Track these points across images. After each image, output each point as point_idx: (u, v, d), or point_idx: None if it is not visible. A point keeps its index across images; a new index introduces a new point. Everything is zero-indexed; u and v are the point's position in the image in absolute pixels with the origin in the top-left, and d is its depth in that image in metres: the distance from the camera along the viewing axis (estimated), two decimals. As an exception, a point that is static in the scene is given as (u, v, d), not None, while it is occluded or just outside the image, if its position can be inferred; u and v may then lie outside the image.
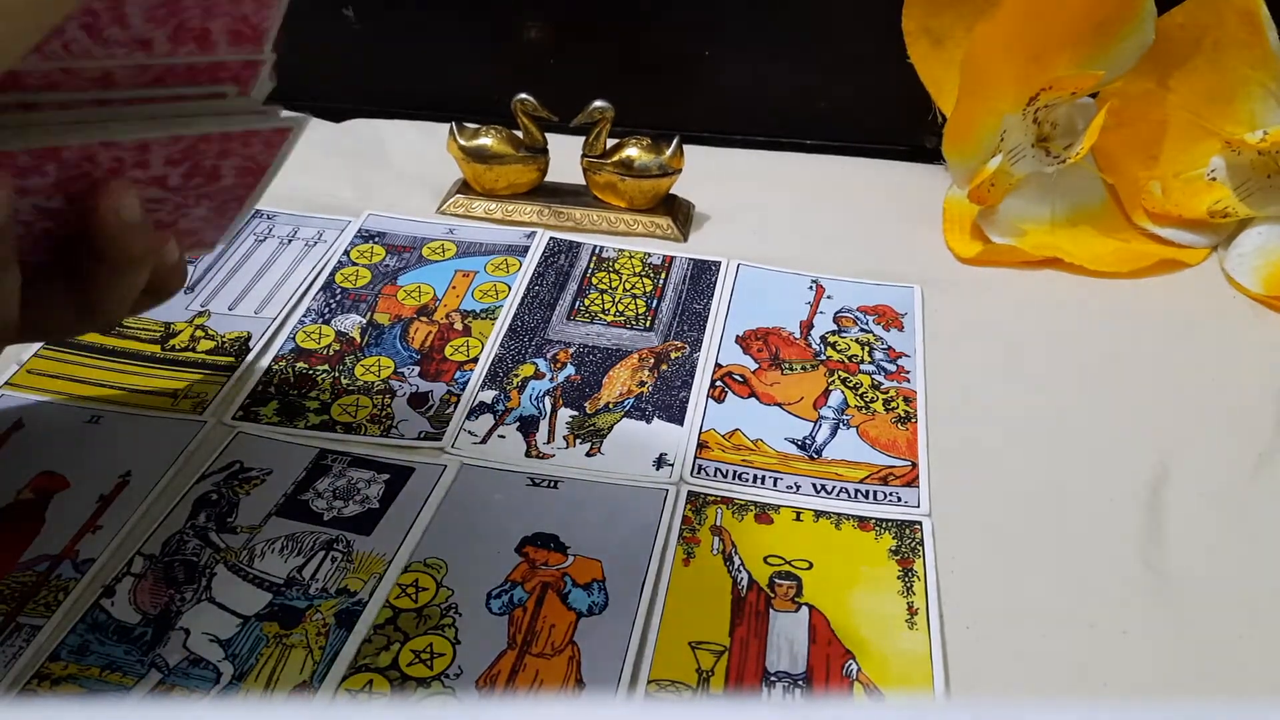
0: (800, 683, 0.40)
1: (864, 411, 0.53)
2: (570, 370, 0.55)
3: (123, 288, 0.38)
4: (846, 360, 0.56)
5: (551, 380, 0.54)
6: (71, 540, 0.44)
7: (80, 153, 0.34)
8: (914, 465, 0.50)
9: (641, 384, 0.54)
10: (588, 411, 0.52)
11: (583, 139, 0.66)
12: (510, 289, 0.61)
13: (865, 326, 0.59)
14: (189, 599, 0.42)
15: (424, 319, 0.58)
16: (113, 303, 0.38)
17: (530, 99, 0.64)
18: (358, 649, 0.40)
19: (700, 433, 0.51)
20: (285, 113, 0.38)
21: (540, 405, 0.53)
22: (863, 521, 0.47)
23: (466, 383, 0.54)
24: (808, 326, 0.59)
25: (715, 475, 0.49)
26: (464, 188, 0.68)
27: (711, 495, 0.48)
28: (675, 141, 0.65)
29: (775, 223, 0.68)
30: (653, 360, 0.56)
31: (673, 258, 0.64)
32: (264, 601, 0.42)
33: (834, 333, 0.58)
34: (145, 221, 0.36)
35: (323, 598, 0.42)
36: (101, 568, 0.43)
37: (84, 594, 0.42)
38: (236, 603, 0.42)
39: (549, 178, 0.68)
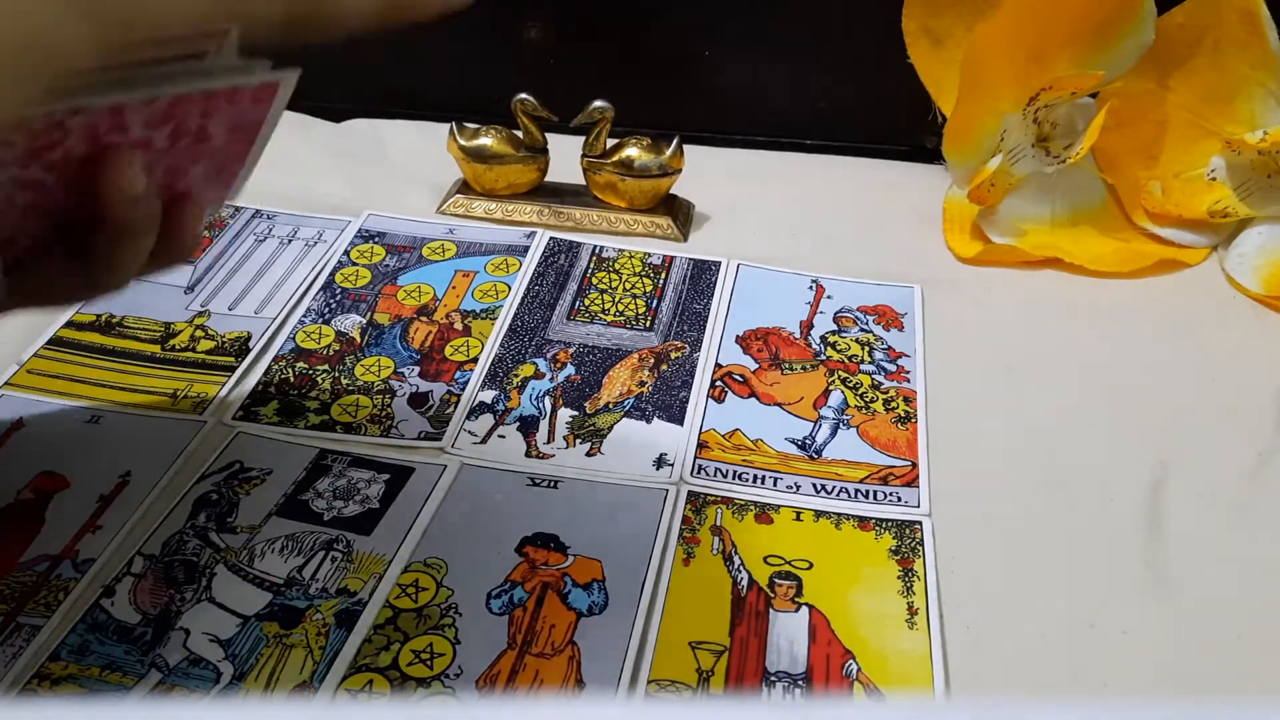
0: (800, 683, 0.40)
1: (864, 411, 0.53)
2: (570, 370, 0.55)
3: (127, 255, 0.37)
4: (846, 360, 0.56)
5: (551, 380, 0.54)
6: (71, 540, 0.44)
7: (47, 121, 0.32)
8: (914, 465, 0.50)
9: (641, 384, 0.54)
10: (588, 411, 0.52)
11: (583, 139, 0.66)
12: (510, 289, 0.61)
13: (865, 326, 0.59)
14: (189, 599, 0.42)
15: (424, 319, 0.58)
16: (117, 270, 0.37)
17: (530, 99, 0.64)
18: (358, 649, 0.40)
19: (700, 433, 0.51)
20: (270, 67, 0.36)
21: (540, 405, 0.53)
22: (863, 521, 0.47)
23: (467, 383, 0.54)
24: (808, 326, 0.59)
25: (715, 475, 0.49)
26: (464, 188, 0.68)
27: (711, 495, 0.48)
28: (675, 141, 0.65)
29: (775, 223, 0.68)
30: (653, 360, 0.56)
31: (673, 258, 0.64)
32: (264, 601, 0.42)
33: (834, 333, 0.58)
34: (149, 194, 0.36)
35: (323, 598, 0.42)
36: (102, 568, 0.43)
37: (84, 594, 0.42)
38: (236, 603, 0.42)
39: (549, 178, 0.68)
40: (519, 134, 0.66)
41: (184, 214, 0.38)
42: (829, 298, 0.61)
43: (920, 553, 0.45)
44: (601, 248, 0.65)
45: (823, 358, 0.57)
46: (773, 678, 0.40)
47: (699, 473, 0.49)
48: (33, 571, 0.43)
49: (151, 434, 0.50)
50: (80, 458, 0.48)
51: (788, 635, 0.42)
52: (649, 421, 0.52)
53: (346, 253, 0.63)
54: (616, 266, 0.63)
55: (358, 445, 0.50)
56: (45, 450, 0.48)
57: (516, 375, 0.55)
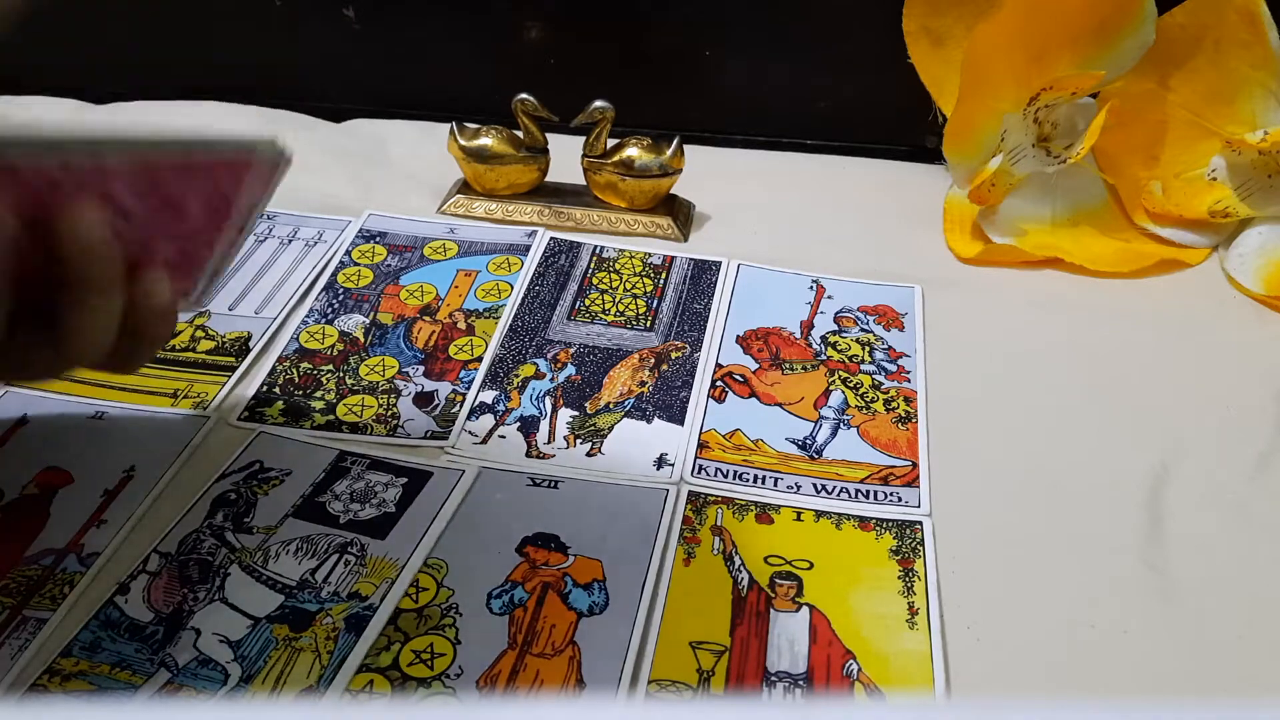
0: (801, 683, 0.40)
1: (864, 411, 0.53)
2: (571, 370, 0.55)
3: (92, 319, 0.36)
4: (847, 360, 0.56)
5: (552, 380, 0.54)
6: (76, 535, 0.44)
7: (37, 174, 0.32)
8: (914, 465, 0.50)
9: (642, 384, 0.54)
10: (588, 411, 0.53)
11: (583, 139, 0.66)
12: (513, 288, 0.61)
13: (866, 326, 0.59)
14: (202, 598, 0.42)
15: (427, 318, 0.58)
16: (86, 336, 0.36)
17: (530, 99, 0.64)
18: (365, 654, 0.40)
19: (701, 433, 0.51)
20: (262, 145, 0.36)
21: (541, 405, 0.53)
22: (863, 521, 0.47)
23: (471, 381, 0.54)
24: (808, 326, 0.59)
25: (716, 475, 0.49)
26: (464, 188, 0.68)
27: (712, 495, 0.48)
28: (675, 141, 0.65)
29: (775, 223, 0.68)
30: (653, 360, 0.56)
31: (673, 258, 0.64)
32: (276, 603, 0.42)
33: (834, 333, 0.58)
34: (108, 242, 0.35)
35: (334, 601, 0.42)
36: (107, 561, 0.44)
37: (91, 587, 0.42)
38: (248, 604, 0.42)
39: (549, 178, 0.68)
40: (519, 134, 0.66)
41: (149, 279, 0.37)
42: (829, 298, 0.61)
43: (921, 553, 0.45)
44: (602, 248, 0.65)
45: (823, 358, 0.57)
46: (773, 678, 0.40)
47: (699, 473, 0.49)
48: (38, 565, 0.43)
49: (155, 430, 0.50)
50: (84, 454, 0.48)
51: (788, 635, 0.42)
52: (649, 421, 0.52)
53: (348, 252, 0.63)
54: (617, 266, 0.63)
55: (363, 445, 0.50)
56: (49, 446, 0.49)
57: (517, 375, 0.55)
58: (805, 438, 0.52)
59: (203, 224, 0.37)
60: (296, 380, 0.54)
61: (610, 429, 0.52)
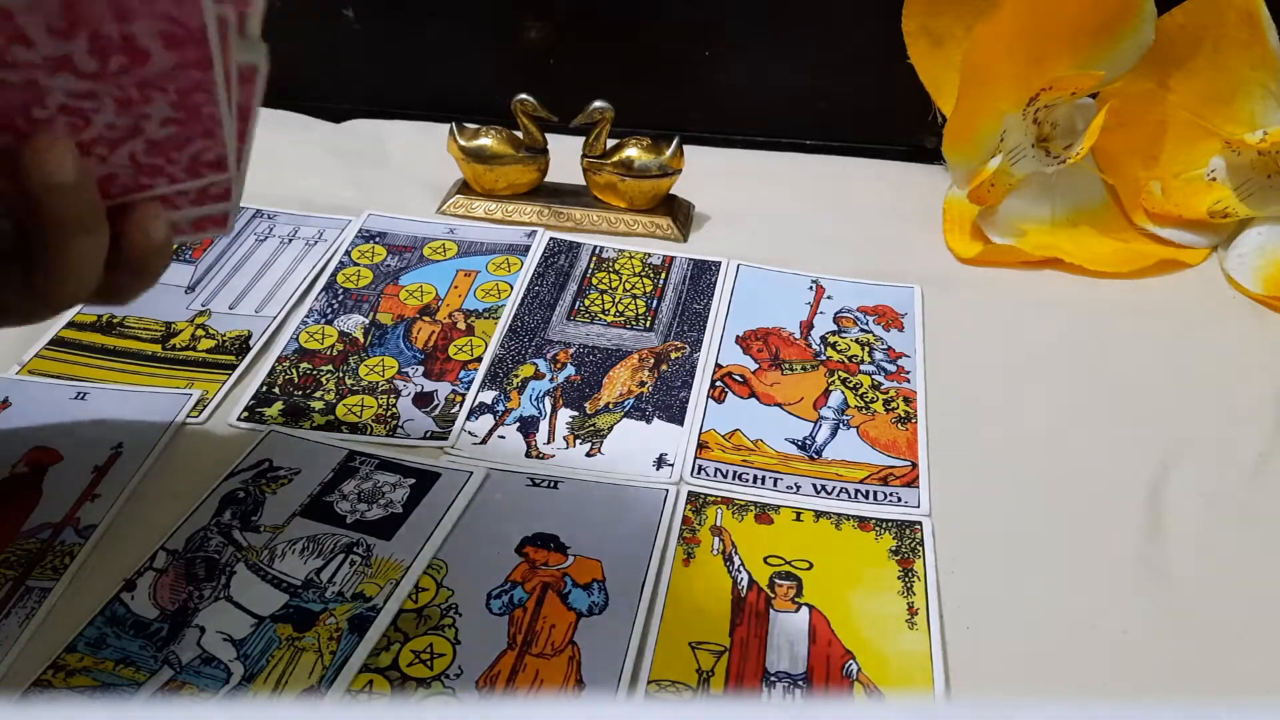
0: (800, 683, 0.40)
1: (864, 412, 0.53)
2: (570, 370, 0.55)
3: (67, 259, 0.31)
4: (846, 360, 0.56)
5: (551, 380, 0.54)
6: (71, 509, 0.45)
7: None
8: (914, 465, 0.50)
9: (641, 384, 0.54)
10: (588, 412, 0.53)
11: (583, 139, 0.66)
12: (513, 288, 0.61)
13: (865, 326, 0.59)
14: (207, 596, 0.42)
15: (427, 318, 0.58)
16: (59, 277, 0.32)
17: (530, 99, 0.64)
18: (368, 655, 0.40)
19: (700, 433, 0.51)
20: None
21: (540, 405, 0.53)
22: (863, 522, 0.47)
23: (471, 382, 0.54)
24: (808, 327, 0.59)
25: (715, 475, 0.49)
26: (464, 188, 0.68)
27: (711, 495, 0.48)
28: (675, 141, 0.65)
29: (775, 223, 0.68)
30: (653, 360, 0.56)
31: (673, 258, 0.64)
32: (280, 603, 0.42)
33: (834, 333, 0.58)
34: (82, 179, 0.30)
35: (338, 601, 0.42)
36: (104, 532, 0.44)
37: (95, 569, 0.43)
38: (253, 602, 0.42)
39: (549, 178, 0.68)
40: (519, 134, 0.66)
41: (143, 214, 0.33)
42: (829, 298, 0.61)
43: (920, 553, 0.45)
44: (601, 248, 0.65)
45: (823, 358, 0.57)
46: (773, 678, 0.40)
47: (699, 473, 0.49)
48: (36, 539, 0.44)
49: (139, 406, 0.51)
50: (70, 433, 0.49)
51: (788, 635, 0.42)
52: (649, 422, 0.52)
53: (348, 253, 0.63)
54: (616, 267, 0.63)
55: (367, 445, 0.50)
56: (35, 427, 0.49)
57: (517, 375, 0.55)
58: (805, 438, 0.52)
59: (174, 66, 0.31)
60: (296, 380, 0.54)
61: (610, 429, 0.52)
